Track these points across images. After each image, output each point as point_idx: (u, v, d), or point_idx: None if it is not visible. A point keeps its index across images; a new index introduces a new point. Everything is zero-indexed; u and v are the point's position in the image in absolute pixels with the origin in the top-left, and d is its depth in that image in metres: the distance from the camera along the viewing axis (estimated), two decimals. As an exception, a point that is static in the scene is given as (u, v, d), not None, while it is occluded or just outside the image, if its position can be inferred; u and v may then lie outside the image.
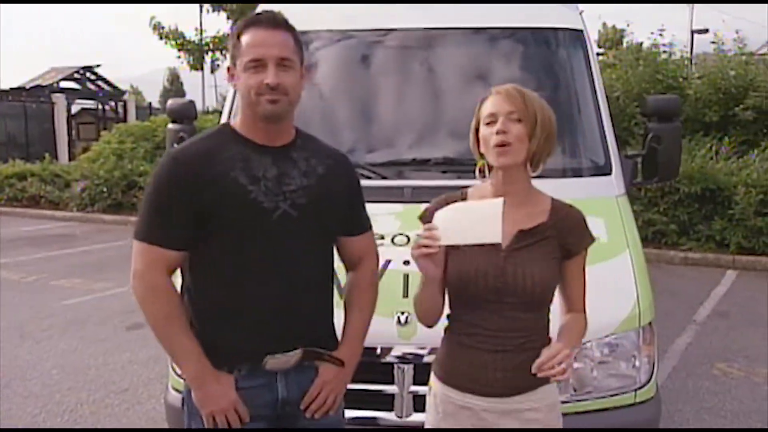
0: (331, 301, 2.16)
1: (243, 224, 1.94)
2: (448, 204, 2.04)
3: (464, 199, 2.12)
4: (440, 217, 1.92)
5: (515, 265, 1.97)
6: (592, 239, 2.07)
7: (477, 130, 2.04)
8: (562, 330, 2.04)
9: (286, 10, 4.24)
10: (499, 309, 1.97)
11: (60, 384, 4.98)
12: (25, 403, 4.65)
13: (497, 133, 1.93)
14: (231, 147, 1.98)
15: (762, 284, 8.13)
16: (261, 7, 4.14)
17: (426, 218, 2.07)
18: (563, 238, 2.01)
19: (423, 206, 2.17)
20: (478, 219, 1.87)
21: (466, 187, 2.18)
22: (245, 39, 1.95)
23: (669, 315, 6.59)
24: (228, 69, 2.05)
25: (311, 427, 2.11)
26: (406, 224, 2.98)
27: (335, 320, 2.20)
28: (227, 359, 1.98)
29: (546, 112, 1.99)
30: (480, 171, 2.07)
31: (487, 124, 1.97)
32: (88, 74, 27.25)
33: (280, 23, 1.97)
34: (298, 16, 3.99)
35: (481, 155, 2.04)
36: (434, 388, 2.13)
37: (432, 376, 2.16)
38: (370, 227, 2.25)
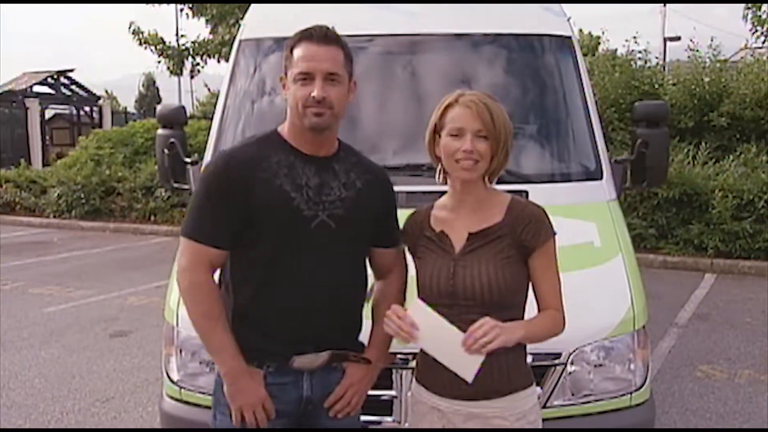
0: (360, 309, 2.22)
1: (283, 229, 2.01)
2: (415, 220, 2.17)
3: (430, 210, 2.16)
4: (424, 320, 1.93)
5: (464, 268, 2.02)
6: (551, 234, 2.05)
7: (435, 130, 2.06)
8: (524, 320, 2.05)
9: (273, 13, 4.24)
10: (456, 312, 1.99)
11: (44, 393, 4.90)
12: (8, 413, 4.57)
13: (464, 151, 1.96)
14: (278, 153, 2.05)
15: (740, 287, 8.27)
16: (252, 9, 4.15)
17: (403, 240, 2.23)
18: (517, 235, 2.02)
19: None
20: (456, 353, 1.90)
21: None
22: (297, 52, 2.02)
23: (651, 318, 6.63)
24: (280, 79, 2.12)
25: (331, 427, 2.18)
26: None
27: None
28: (257, 356, 2.06)
29: (508, 127, 2.02)
30: (440, 176, 2.12)
31: (453, 135, 1.99)
32: (62, 79, 26.88)
33: (331, 38, 2.04)
34: (282, 23, 3.98)
35: (438, 158, 2.07)
36: (412, 387, 2.20)
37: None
38: (401, 241, 2.29)
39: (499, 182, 3.10)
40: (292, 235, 2.02)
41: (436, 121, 2.06)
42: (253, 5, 4.18)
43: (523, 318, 2.08)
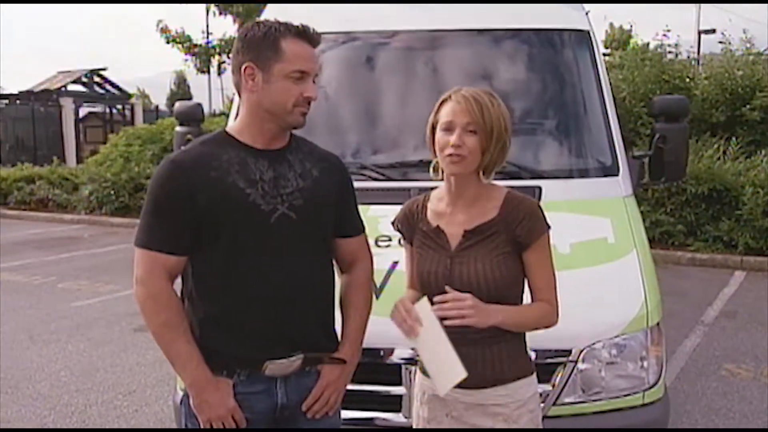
0: (332, 303, 2.16)
1: (241, 227, 1.94)
2: (410, 210, 2.20)
3: (426, 202, 2.18)
4: (426, 321, 1.95)
5: (461, 265, 2.03)
6: (545, 229, 2.04)
7: (434, 128, 2.07)
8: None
9: (291, 12, 4.28)
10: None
11: (68, 386, 5.00)
12: (34, 404, 4.68)
13: (453, 145, 1.97)
14: (228, 151, 1.99)
15: (770, 285, 8.10)
16: (268, 9, 4.17)
17: (396, 227, 2.25)
18: (512, 230, 2.02)
19: None
20: (442, 365, 1.94)
21: None
22: (292, 47, 1.94)
23: (677, 316, 6.57)
24: (246, 68, 1.96)
25: (310, 428, 2.12)
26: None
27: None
28: (227, 365, 1.99)
29: (502, 122, 2.00)
30: (434, 170, 2.12)
31: (444, 130, 2.00)
32: (95, 77, 27.41)
33: (318, 40, 2.01)
34: (302, 19, 3.97)
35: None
36: (417, 376, 2.23)
37: None
38: (364, 229, 2.27)
39: (512, 178, 3.13)
40: (252, 232, 1.95)
41: (432, 117, 2.08)
42: (269, 5, 4.20)
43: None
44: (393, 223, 2.28)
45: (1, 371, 5.28)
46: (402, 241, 2.30)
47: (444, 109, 2.03)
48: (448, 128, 2.00)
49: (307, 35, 1.97)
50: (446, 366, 1.92)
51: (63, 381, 5.10)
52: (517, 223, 2.01)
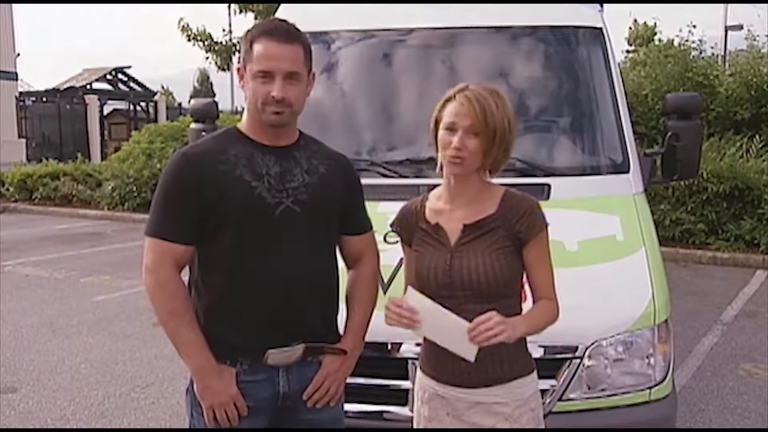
0: (334, 296, 2.19)
1: (246, 219, 1.99)
2: (409, 210, 2.19)
3: (425, 201, 2.18)
4: (420, 306, 1.95)
5: (460, 260, 2.04)
6: (544, 225, 2.05)
7: (437, 124, 2.07)
8: (524, 314, 2.06)
9: (307, 11, 4.30)
10: (453, 303, 2.01)
11: (88, 378, 5.09)
12: (54, 396, 4.77)
13: (454, 147, 1.98)
14: (236, 146, 2.05)
15: (793, 284, 7.99)
16: (283, 8, 4.22)
17: (395, 229, 2.24)
18: (511, 226, 2.03)
19: None
20: (456, 336, 1.93)
21: None
22: (258, 48, 1.98)
23: (695, 315, 6.53)
24: (238, 69, 2.09)
25: (312, 424, 2.16)
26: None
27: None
28: (229, 353, 2.04)
29: (506, 123, 2.00)
30: (440, 168, 2.12)
31: (447, 129, 2.01)
32: (119, 75, 27.84)
33: (293, 36, 2.00)
34: (319, 17, 4.00)
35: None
36: (418, 375, 2.23)
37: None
38: (371, 227, 2.30)
39: (522, 175, 3.14)
40: (257, 224, 2.00)
41: (436, 113, 2.08)
42: (282, 5, 4.24)
43: (519, 307, 2.10)
44: (392, 226, 2.28)
45: (23, 363, 5.40)
46: (400, 244, 2.30)
47: (448, 108, 2.03)
48: (451, 129, 2.00)
49: (275, 34, 1.98)
50: (461, 338, 1.92)
51: (83, 373, 5.20)
52: (518, 219, 2.03)
